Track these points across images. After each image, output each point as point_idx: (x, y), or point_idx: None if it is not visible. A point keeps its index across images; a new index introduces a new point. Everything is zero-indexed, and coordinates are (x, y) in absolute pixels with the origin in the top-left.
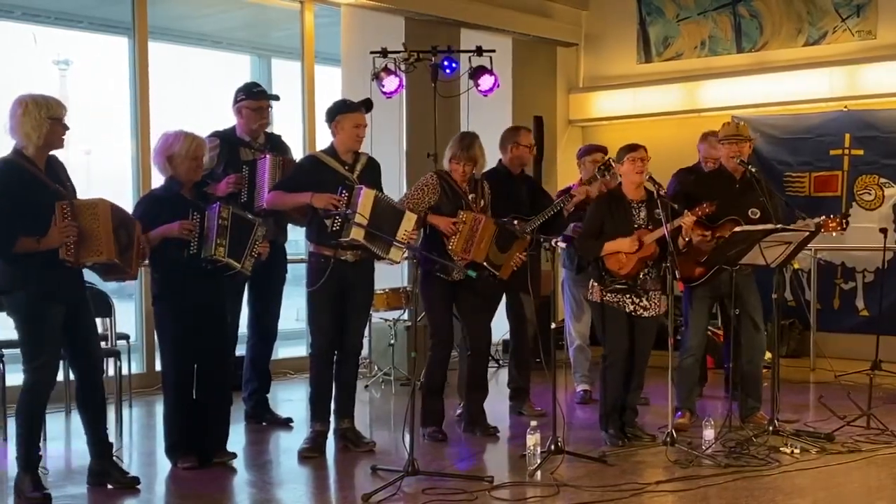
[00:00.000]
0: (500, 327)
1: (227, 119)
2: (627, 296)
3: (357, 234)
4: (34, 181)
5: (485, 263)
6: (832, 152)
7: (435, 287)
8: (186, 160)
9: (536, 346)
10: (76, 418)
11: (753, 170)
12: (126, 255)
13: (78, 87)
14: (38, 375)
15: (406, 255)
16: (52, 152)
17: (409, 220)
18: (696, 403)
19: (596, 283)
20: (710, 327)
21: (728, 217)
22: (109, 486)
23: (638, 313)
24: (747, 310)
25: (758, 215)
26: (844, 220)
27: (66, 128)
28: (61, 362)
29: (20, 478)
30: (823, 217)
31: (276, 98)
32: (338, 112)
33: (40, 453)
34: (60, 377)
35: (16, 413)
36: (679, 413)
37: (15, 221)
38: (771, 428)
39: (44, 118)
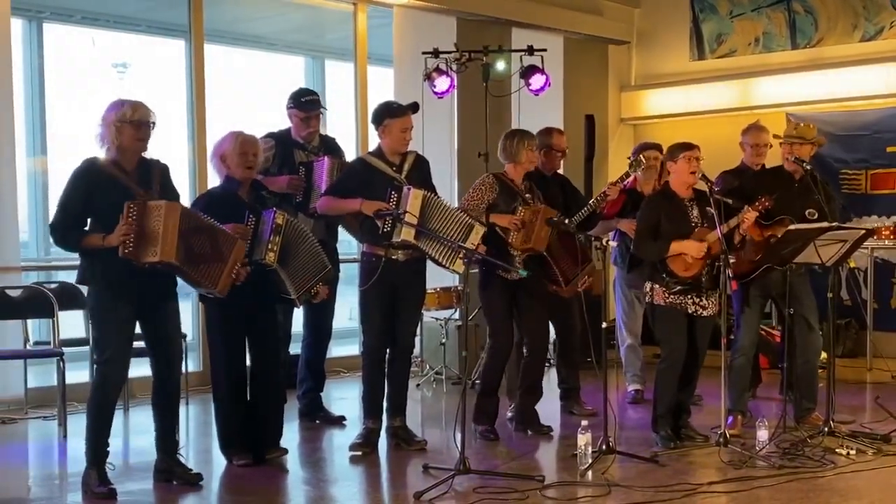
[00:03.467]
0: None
1: (281, 120)
2: (689, 296)
3: (407, 234)
4: (112, 182)
5: (556, 272)
6: (889, 149)
7: (494, 288)
8: (236, 155)
9: (585, 345)
10: (134, 415)
11: (808, 167)
12: (200, 265)
13: (136, 89)
14: (105, 369)
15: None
16: (150, 156)
17: (477, 234)
18: (749, 404)
19: (657, 286)
20: (764, 327)
21: (782, 216)
22: (174, 483)
23: (698, 313)
24: (802, 311)
25: (815, 216)
26: None
27: (138, 130)
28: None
29: (87, 472)
30: (878, 225)
31: (323, 108)
32: (385, 116)
33: (108, 448)
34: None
35: (86, 408)
36: (731, 418)
37: (84, 218)
38: (826, 429)
39: (115, 121)
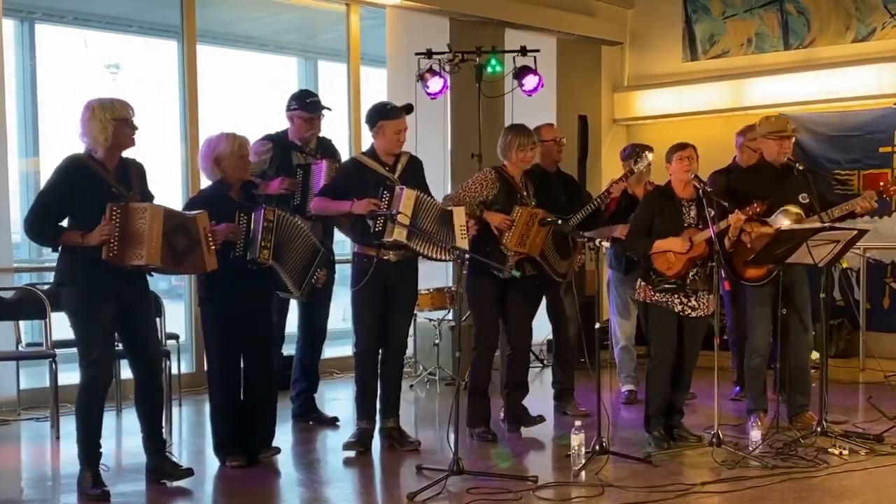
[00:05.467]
0: (544, 327)
1: (273, 122)
2: (676, 295)
3: (399, 234)
4: (96, 180)
5: (544, 265)
6: (882, 150)
7: (483, 287)
8: (234, 158)
9: (580, 346)
10: (126, 417)
11: (801, 167)
12: (184, 260)
13: (128, 90)
14: (91, 371)
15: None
16: (130, 156)
17: (459, 216)
18: (743, 404)
19: (644, 283)
20: None
21: (781, 208)
22: (167, 484)
23: (686, 313)
24: (798, 308)
25: (807, 200)
26: None
27: (133, 128)
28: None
29: (81, 474)
30: (881, 183)
31: (328, 109)
32: (379, 117)
33: (101, 450)
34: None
35: (75, 411)
36: (753, 417)
37: (63, 214)
38: (819, 429)
39: (108, 120)
